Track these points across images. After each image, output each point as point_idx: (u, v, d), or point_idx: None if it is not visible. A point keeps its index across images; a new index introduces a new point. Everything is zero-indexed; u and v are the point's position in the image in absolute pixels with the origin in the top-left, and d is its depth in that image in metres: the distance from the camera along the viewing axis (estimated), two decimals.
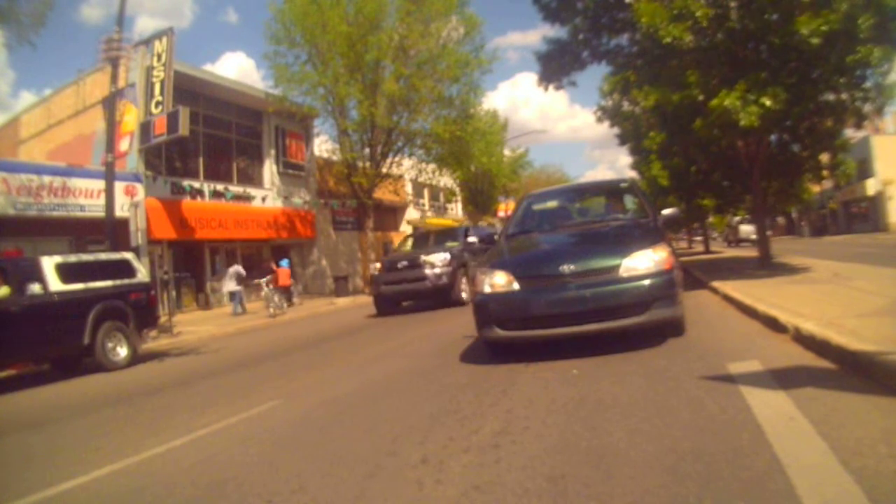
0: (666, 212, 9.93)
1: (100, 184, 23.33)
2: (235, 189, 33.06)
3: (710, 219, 51.13)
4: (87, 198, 23.90)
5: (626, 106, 23.54)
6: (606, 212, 10.49)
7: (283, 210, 35.58)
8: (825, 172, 21.73)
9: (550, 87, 19.38)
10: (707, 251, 40.51)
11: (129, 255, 16.41)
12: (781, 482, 3.27)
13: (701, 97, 13.33)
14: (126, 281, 15.47)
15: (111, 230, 19.19)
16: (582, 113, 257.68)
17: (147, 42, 26.92)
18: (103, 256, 16.13)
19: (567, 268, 7.53)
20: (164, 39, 26.56)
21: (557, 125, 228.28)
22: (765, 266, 17.20)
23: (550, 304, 7.52)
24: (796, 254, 25.31)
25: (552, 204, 11.23)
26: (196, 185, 30.56)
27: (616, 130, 31.08)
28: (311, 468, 4.87)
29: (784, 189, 23.48)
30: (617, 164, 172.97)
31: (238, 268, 29.40)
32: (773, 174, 20.25)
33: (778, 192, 23.80)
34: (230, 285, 28.64)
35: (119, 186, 21.93)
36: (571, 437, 4.63)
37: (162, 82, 26.15)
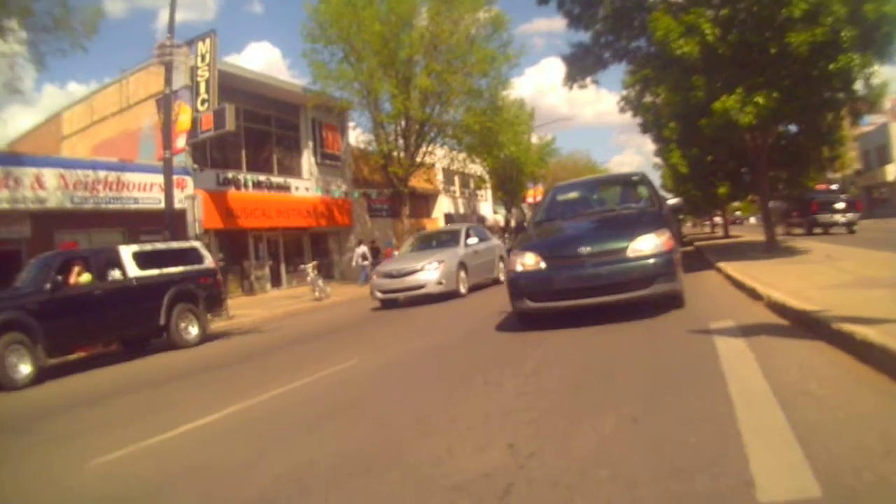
0: (671, 201, 11.75)
1: (151, 178, 25.05)
2: (276, 179, 34.63)
3: (737, 203, 52.69)
4: (140, 191, 25.51)
5: (647, 97, 24.51)
6: (621, 201, 12.09)
7: (321, 199, 37.16)
8: (827, 163, 23.32)
9: (575, 87, 21.13)
10: (726, 235, 42.06)
11: (197, 244, 18.09)
12: (719, 383, 5.14)
13: (703, 97, 15.11)
14: (195, 267, 17.01)
15: (170, 221, 20.61)
16: (609, 97, 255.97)
17: (190, 43, 28.22)
18: (174, 245, 17.71)
19: (585, 249, 9.20)
20: (207, 41, 27.90)
21: (584, 110, 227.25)
22: (770, 249, 18.91)
23: (571, 280, 9.13)
24: (814, 238, 26.98)
25: (574, 195, 12.90)
26: (240, 176, 32.24)
27: (638, 120, 32.48)
28: (404, 394, 6.93)
29: (792, 178, 25.09)
30: (644, 149, 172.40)
31: (364, 248, 33.85)
32: (779, 165, 22.02)
33: (787, 180, 25.45)
34: (359, 262, 33.21)
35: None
36: (587, 366, 6.69)
37: (207, 81, 27.46)
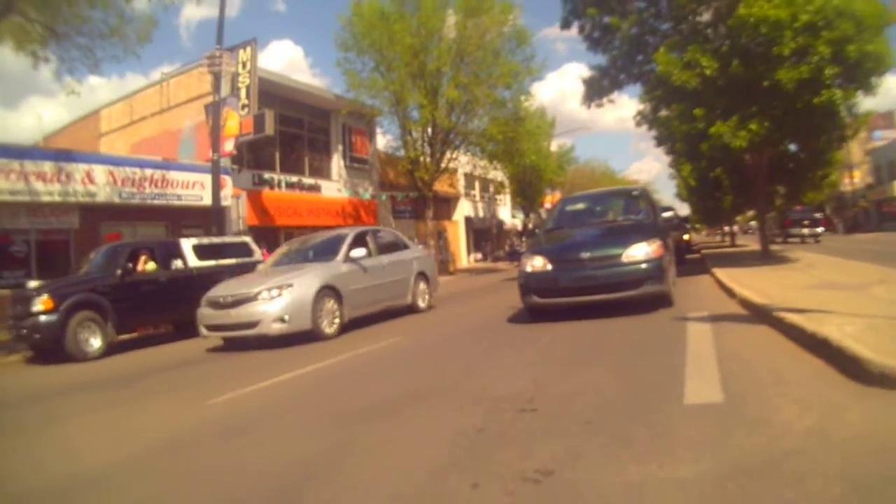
0: (665, 214, 13.60)
1: (194, 176, 26.59)
2: (308, 181, 36.18)
3: (750, 214, 54.47)
4: (183, 188, 26.81)
5: (662, 111, 25.77)
6: (624, 212, 13.56)
7: (349, 200, 38.68)
8: (818, 182, 25.38)
9: (593, 105, 23.05)
10: (732, 245, 44.04)
11: (247, 238, 19.95)
12: (681, 349, 7.19)
13: (703, 127, 17.07)
14: (247, 259, 18.61)
15: (217, 218, 22.21)
16: (629, 103, 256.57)
17: (231, 50, 29.52)
18: (228, 239, 19.59)
19: (585, 254, 10.92)
20: (248, 49, 29.46)
21: (605, 115, 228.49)
22: (762, 258, 20.96)
23: (573, 280, 10.75)
24: (811, 250, 28.94)
25: (580, 206, 14.60)
26: (274, 176, 33.88)
27: (654, 133, 33.74)
28: (448, 357, 9.13)
29: (790, 193, 27.08)
30: (662, 158, 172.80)
31: None
32: (778, 181, 24.04)
33: (785, 195, 27.45)
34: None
35: (209, 179, 24.15)
36: (587, 343, 8.72)
37: (247, 87, 29.12)
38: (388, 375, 8.21)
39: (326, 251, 14.91)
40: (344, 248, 14.58)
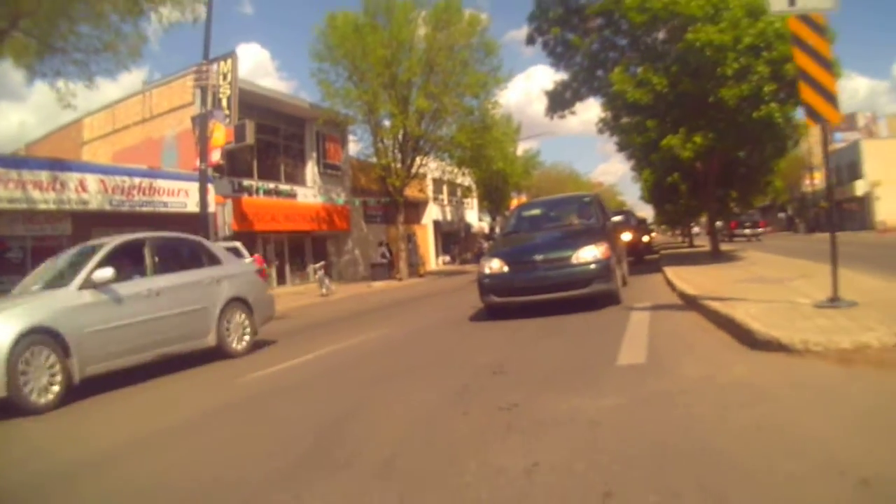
0: (615, 218, 15.26)
1: (179, 184, 27.70)
2: (284, 187, 37.42)
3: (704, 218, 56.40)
4: (169, 196, 28.09)
5: (622, 118, 27.01)
6: (577, 217, 14.49)
7: (322, 205, 39.99)
8: (763, 187, 27.42)
9: (556, 117, 24.63)
10: (690, 245, 45.93)
11: (237, 244, 21.14)
12: (622, 331, 8.89)
13: (655, 136, 18.80)
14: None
15: (204, 224, 23.11)
16: (595, 106, 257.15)
17: (213, 62, 30.36)
18: (221, 244, 20.52)
19: (539, 257, 11.91)
20: (229, 61, 30.67)
21: (570, 119, 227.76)
22: (712, 257, 22.83)
23: (528, 280, 11.73)
24: (762, 249, 30.88)
25: (536, 211, 15.76)
26: (253, 183, 35.09)
27: (615, 139, 35.03)
28: (431, 342, 10.80)
29: (741, 197, 29.04)
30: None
31: (384, 248, 39.99)
32: (730, 186, 25.91)
33: (736, 199, 29.38)
34: (379, 259, 39.14)
35: (193, 186, 25.04)
36: (546, 329, 10.28)
37: (228, 98, 30.23)
38: (384, 356, 9.85)
39: (71, 272, 9.86)
40: (86, 268, 9.57)
